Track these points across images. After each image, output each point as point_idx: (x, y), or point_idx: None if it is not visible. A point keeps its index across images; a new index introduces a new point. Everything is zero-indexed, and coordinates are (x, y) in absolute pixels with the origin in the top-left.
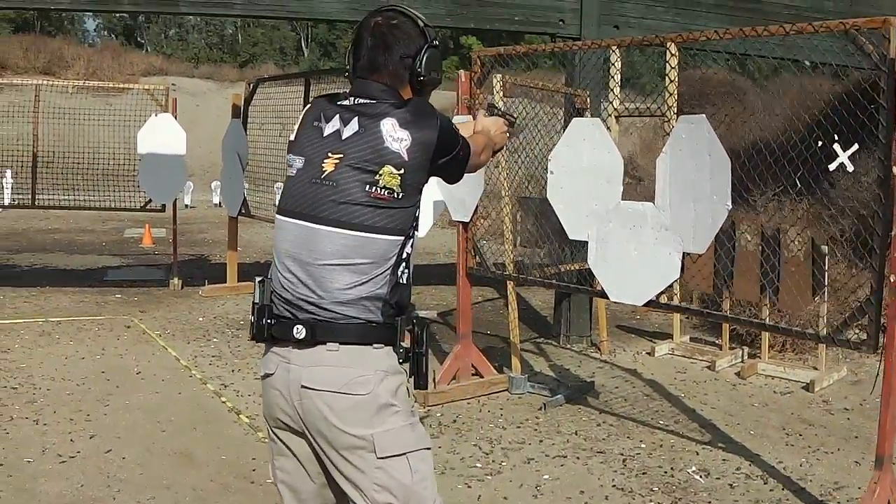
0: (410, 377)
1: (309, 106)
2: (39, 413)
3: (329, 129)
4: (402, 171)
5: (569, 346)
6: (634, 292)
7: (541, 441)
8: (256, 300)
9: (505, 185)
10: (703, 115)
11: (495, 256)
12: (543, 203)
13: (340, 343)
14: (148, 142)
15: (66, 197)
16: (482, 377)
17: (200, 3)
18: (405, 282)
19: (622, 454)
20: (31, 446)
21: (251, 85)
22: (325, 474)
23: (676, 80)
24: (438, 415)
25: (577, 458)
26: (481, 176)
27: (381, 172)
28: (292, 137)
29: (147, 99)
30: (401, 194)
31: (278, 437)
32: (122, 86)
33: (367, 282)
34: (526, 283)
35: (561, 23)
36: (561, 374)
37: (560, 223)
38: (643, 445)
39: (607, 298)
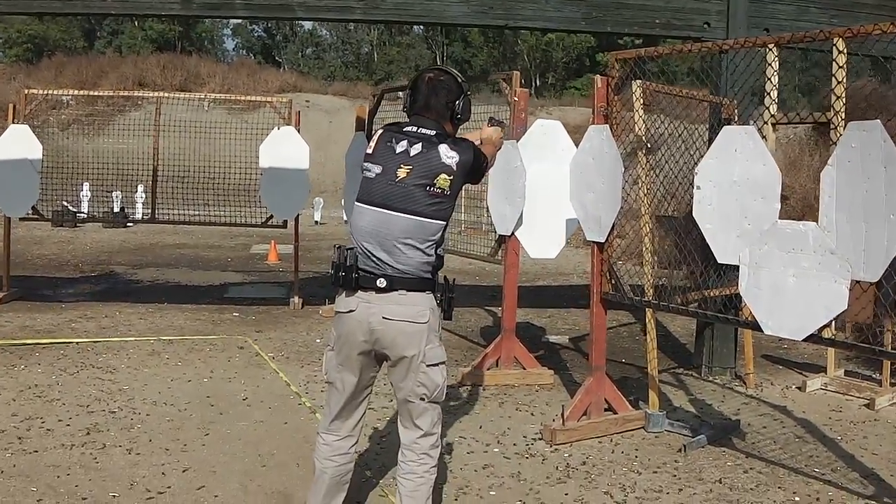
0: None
1: (381, 131)
2: (134, 441)
3: (399, 148)
4: (451, 178)
5: (711, 378)
6: (793, 325)
7: (680, 490)
8: (343, 261)
9: (645, 202)
10: (878, 121)
11: (632, 278)
12: (686, 221)
13: (407, 290)
14: (270, 156)
15: (188, 212)
16: (616, 413)
17: (318, 7)
18: (441, 253)
19: None
20: (120, 479)
21: (375, 97)
22: (368, 381)
23: (844, 80)
24: (566, 455)
25: None
26: (618, 193)
27: (437, 178)
28: (370, 151)
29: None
30: (448, 192)
31: (351, 356)
32: (242, 98)
33: (421, 252)
34: (667, 310)
35: (706, 26)
36: (703, 410)
37: (705, 244)
38: (797, 498)
39: (759, 330)
